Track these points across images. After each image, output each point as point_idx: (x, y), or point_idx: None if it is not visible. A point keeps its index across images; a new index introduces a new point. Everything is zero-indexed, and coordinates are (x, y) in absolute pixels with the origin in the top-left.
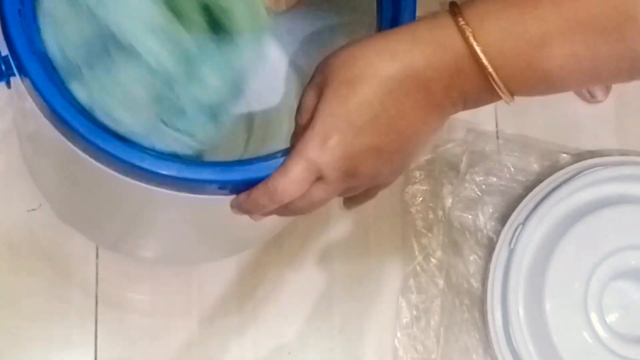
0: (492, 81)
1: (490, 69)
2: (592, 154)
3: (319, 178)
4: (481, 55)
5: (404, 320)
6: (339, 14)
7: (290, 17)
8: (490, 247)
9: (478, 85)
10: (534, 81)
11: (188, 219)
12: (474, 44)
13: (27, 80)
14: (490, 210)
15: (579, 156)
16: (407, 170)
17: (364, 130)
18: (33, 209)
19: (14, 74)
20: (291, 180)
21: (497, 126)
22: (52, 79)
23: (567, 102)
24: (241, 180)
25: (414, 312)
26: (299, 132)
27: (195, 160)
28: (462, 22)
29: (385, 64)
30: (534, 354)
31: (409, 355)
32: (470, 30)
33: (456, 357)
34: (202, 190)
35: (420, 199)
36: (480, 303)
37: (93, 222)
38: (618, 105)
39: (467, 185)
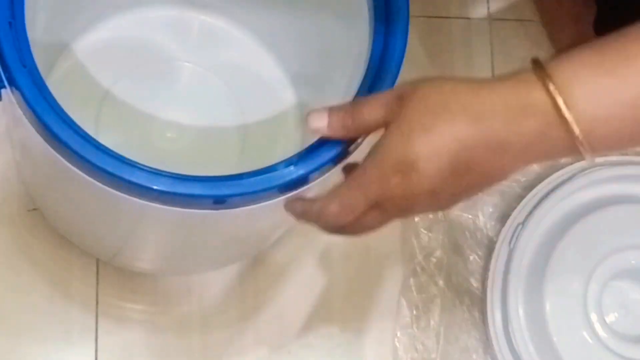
0: (580, 147)
1: (581, 138)
2: None
3: (374, 206)
4: (574, 127)
5: (404, 320)
6: (330, 14)
7: (290, 35)
8: (490, 247)
9: (560, 149)
10: (621, 142)
11: (184, 232)
12: (566, 113)
13: (17, 93)
14: (490, 209)
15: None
16: None
17: (429, 178)
18: (34, 209)
19: (4, 86)
20: (344, 206)
21: None
22: (42, 92)
23: None
24: (234, 194)
25: (414, 312)
26: (338, 125)
27: (187, 175)
28: (553, 88)
29: (467, 125)
30: (533, 354)
31: (409, 355)
32: (561, 99)
33: (456, 357)
34: (195, 204)
35: None
36: (480, 302)
37: (87, 235)
38: None
39: None
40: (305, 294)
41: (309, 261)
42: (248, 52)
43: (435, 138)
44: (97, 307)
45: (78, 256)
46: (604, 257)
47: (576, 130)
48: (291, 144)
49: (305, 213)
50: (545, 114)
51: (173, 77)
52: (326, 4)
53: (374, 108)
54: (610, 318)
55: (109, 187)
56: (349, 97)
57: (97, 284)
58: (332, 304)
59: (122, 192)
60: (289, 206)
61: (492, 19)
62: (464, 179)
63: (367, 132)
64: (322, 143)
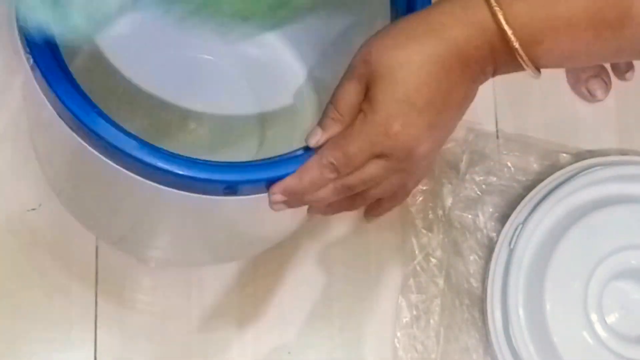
0: (521, 60)
1: (521, 51)
2: (592, 154)
3: (379, 156)
4: (512, 38)
5: (404, 320)
6: (351, 13)
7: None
8: (490, 247)
9: (508, 60)
10: (560, 59)
11: (195, 221)
12: (506, 27)
13: (37, 71)
14: (490, 210)
15: (579, 156)
16: None
17: (425, 110)
18: (33, 209)
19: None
20: (347, 155)
21: (497, 126)
22: (63, 69)
23: (567, 102)
24: (251, 180)
25: (414, 312)
26: (330, 124)
27: (205, 161)
28: (495, 5)
29: (434, 44)
30: (534, 354)
31: (409, 355)
32: (501, 13)
33: (456, 357)
34: (206, 190)
35: (420, 198)
36: (480, 303)
37: (97, 215)
38: (618, 104)
39: (467, 185)
40: (305, 294)
41: (309, 261)
42: (268, 47)
43: (415, 69)
44: (95, 308)
45: (77, 257)
46: (605, 258)
47: (515, 44)
48: None
49: (306, 179)
50: (491, 29)
51: (194, 69)
52: (347, 4)
53: (349, 86)
54: (610, 318)
55: (122, 167)
56: None
57: (96, 284)
58: (332, 304)
59: (134, 173)
60: (284, 187)
61: None
62: (450, 102)
63: (355, 111)
64: None
